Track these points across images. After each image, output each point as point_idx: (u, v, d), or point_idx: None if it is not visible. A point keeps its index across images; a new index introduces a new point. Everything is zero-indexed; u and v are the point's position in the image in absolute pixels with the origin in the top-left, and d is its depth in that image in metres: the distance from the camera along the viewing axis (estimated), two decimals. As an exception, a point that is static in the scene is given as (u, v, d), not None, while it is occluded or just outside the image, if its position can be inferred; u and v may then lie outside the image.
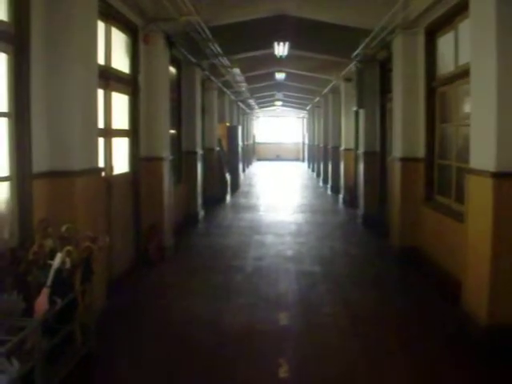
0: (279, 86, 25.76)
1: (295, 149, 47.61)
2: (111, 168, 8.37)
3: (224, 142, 20.74)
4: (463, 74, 7.71)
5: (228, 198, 19.32)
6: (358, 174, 14.86)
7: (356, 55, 13.03)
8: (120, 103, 8.94)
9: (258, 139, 46.99)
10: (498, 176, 5.89)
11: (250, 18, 12.95)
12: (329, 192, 21.22)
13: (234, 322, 6.80)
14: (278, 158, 46.15)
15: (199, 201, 14.46)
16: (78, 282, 5.39)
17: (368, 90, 13.64)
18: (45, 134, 5.97)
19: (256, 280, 8.69)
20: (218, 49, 13.23)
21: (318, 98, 26.55)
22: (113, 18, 8.31)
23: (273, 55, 15.72)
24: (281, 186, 24.39)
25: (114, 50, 8.49)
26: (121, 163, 9.02)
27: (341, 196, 18.33)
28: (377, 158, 13.51)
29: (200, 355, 5.86)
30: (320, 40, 14.03)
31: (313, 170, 31.68)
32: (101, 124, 7.49)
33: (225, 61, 15.00)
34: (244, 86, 21.65)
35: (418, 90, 9.88)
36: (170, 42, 10.64)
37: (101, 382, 5.34)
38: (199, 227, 13.77)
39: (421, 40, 9.73)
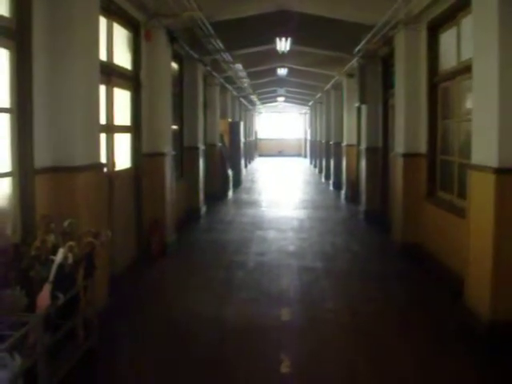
0: (281, 81, 25.73)
1: (297, 144, 47.56)
2: (113, 163, 8.38)
3: (226, 138, 20.74)
4: (465, 69, 7.70)
5: (230, 193, 19.32)
6: (360, 170, 14.84)
7: (358, 51, 13.02)
8: (122, 99, 8.95)
9: (260, 135, 46.97)
10: (500, 172, 5.89)
11: (251, 13, 12.96)
12: (331, 188, 21.21)
13: (236, 318, 6.81)
14: (280, 154, 46.12)
15: (201, 196, 14.47)
16: (81, 278, 5.39)
17: (370, 85, 13.64)
18: (47, 129, 5.97)
19: (258, 276, 8.70)
20: (220, 44, 13.22)
21: (320, 94, 26.53)
22: (115, 13, 8.31)
23: (275, 51, 15.70)
24: (283, 182, 24.39)
25: (116, 45, 8.49)
26: (123, 159, 9.04)
27: (343, 192, 18.32)
28: (379, 154, 13.51)
29: (201, 351, 5.88)
30: (322, 35, 14.00)
31: (315, 166, 31.66)
32: (103, 120, 7.49)
33: (227, 56, 14.99)
34: (246, 82, 21.65)
35: (420, 85, 9.88)
36: (172, 38, 10.64)
37: (102, 377, 5.36)
38: (201, 223, 13.77)
39: (423, 35, 9.72)
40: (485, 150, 6.22)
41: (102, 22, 7.46)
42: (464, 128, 8.31)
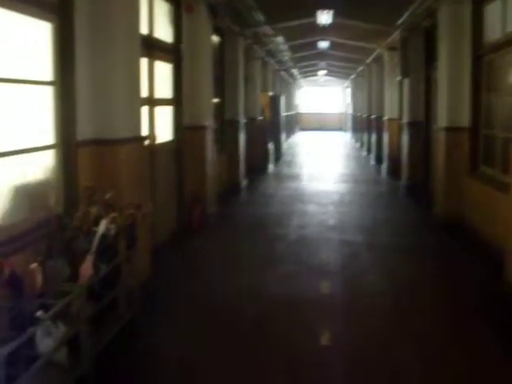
0: (322, 55, 25.45)
1: (338, 119, 47.16)
2: (154, 137, 8.40)
3: (267, 112, 20.63)
4: (510, 42, 7.51)
5: (270, 167, 19.28)
6: (402, 144, 14.67)
7: (401, 23, 12.80)
8: (163, 72, 8.94)
9: (301, 109, 46.68)
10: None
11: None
12: (372, 162, 21.03)
13: (277, 290, 6.83)
14: (320, 128, 45.77)
15: (242, 170, 14.46)
16: (123, 249, 5.44)
17: (413, 58, 13.42)
18: (89, 102, 5.98)
19: (299, 248, 8.69)
20: (261, 17, 13.11)
21: (361, 68, 26.22)
22: (155, -14, 8.29)
23: (316, 24, 15.51)
24: (324, 156, 24.25)
25: (157, 19, 8.47)
26: (164, 132, 9.05)
27: (384, 166, 18.14)
28: (421, 128, 13.32)
29: (242, 323, 5.90)
30: (364, 8, 13.77)
31: (356, 141, 31.42)
32: (144, 93, 7.50)
33: (268, 29, 14.86)
34: (287, 55, 21.48)
35: (463, 58, 9.66)
36: (213, 11, 10.57)
37: (143, 348, 5.41)
38: (242, 196, 13.80)
39: (467, 7, 9.49)
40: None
41: (143, -6, 7.45)
42: (508, 102, 8.13)
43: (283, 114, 24.57)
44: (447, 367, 4.95)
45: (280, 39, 16.87)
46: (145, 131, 7.33)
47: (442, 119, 10.24)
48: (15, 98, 5.03)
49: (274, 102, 21.92)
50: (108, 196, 5.59)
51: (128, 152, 6.26)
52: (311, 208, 12.04)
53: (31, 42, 5.27)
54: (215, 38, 12.43)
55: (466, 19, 9.55)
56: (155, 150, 8.33)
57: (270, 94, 22.30)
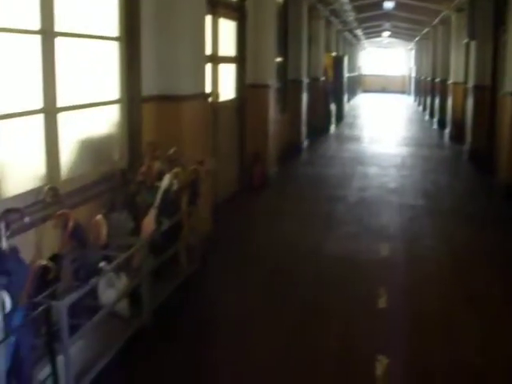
0: (387, 16, 24.83)
1: (401, 81, 46.16)
2: (217, 94, 8.36)
3: (329, 73, 20.30)
4: None
5: (332, 128, 19.04)
6: (466, 109, 14.24)
7: (470, -17, 12.34)
8: (227, 30, 8.84)
9: (364, 71, 45.88)
10: None
11: None
12: (435, 126, 20.53)
13: (336, 250, 6.77)
14: (383, 91, 44.92)
15: (303, 130, 14.31)
16: (185, 204, 5.44)
17: (480, 21, 12.93)
18: (154, 58, 5.95)
19: (358, 210, 8.59)
20: (327, -24, 12.84)
21: (426, 29, 25.50)
22: None
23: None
24: (386, 119, 23.85)
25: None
26: (227, 90, 8.99)
27: (447, 130, 17.68)
28: (487, 93, 12.88)
29: (300, 281, 5.86)
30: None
31: (419, 104, 30.73)
32: (208, 50, 7.43)
33: (333, -12, 14.57)
34: (351, 16, 21.04)
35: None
36: (278, -32, 10.39)
37: (203, 302, 5.43)
38: (302, 156, 13.68)
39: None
40: None
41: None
42: None
43: (346, 75, 24.18)
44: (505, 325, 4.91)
45: (345, -1, 16.52)
46: (208, 89, 7.27)
47: (509, 84, 9.88)
48: (83, 53, 5.03)
49: (337, 63, 21.56)
50: (171, 151, 5.59)
51: (192, 108, 6.22)
52: (372, 170, 11.86)
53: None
54: (280, -4, 12.22)
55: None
56: (218, 107, 8.28)
57: (333, 54, 21.93)
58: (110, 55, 5.48)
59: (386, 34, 35.24)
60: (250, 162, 9.85)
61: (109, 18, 5.42)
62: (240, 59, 9.43)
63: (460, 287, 5.76)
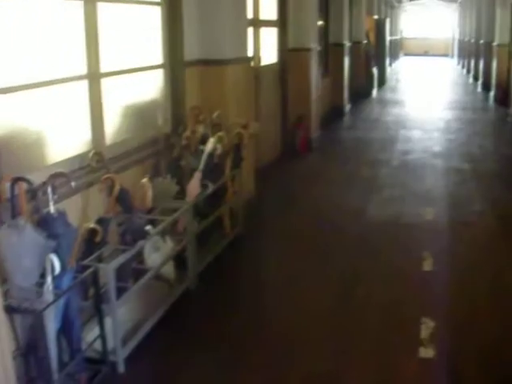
0: (431, -24, 24.29)
1: (444, 44, 45.14)
2: (259, 58, 8.27)
3: (371, 36, 19.95)
4: None
5: (374, 92, 18.74)
6: (512, 70, 13.89)
7: None
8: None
9: (406, 34, 45.01)
10: None
11: None
12: (479, 89, 20.09)
13: (380, 214, 6.68)
14: (425, 54, 44.04)
15: (345, 94, 14.12)
16: (229, 168, 5.42)
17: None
18: (196, 22, 5.89)
19: (402, 174, 8.46)
20: None
21: (471, -10, 24.87)
22: None
23: None
24: (428, 82, 23.39)
25: None
26: (269, 54, 8.90)
27: (492, 94, 17.29)
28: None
29: (345, 244, 5.81)
30: None
31: (463, 67, 30.06)
32: (249, 14, 7.32)
33: None
34: (394, -23, 20.59)
35: None
36: None
37: (247, 265, 5.43)
38: (345, 120, 13.52)
39: None
40: None
41: None
42: None
43: (388, 38, 23.74)
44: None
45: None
46: (250, 53, 7.19)
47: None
48: (126, 18, 5.00)
49: (379, 26, 21.16)
50: (215, 115, 5.55)
51: (234, 72, 6.16)
52: (415, 134, 11.66)
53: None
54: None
55: None
56: (260, 71, 8.20)
57: (375, 17, 21.52)
58: (153, 20, 5.44)
59: (429, -5, 34.48)
60: (293, 126, 9.77)
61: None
62: (281, 23, 9.30)
63: (508, 252, 5.62)
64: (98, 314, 3.53)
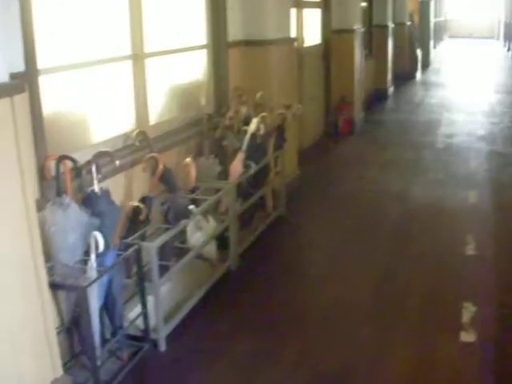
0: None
1: (490, 26, 44.10)
2: (302, 39, 8.18)
3: (415, 17, 19.62)
4: None
5: (418, 74, 18.41)
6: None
7: None
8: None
9: (450, 15, 44.16)
10: None
11: None
12: (526, 73, 19.67)
13: (422, 197, 6.60)
14: (470, 36, 43.19)
15: (389, 76, 13.90)
16: (271, 149, 5.38)
17: None
18: (240, 3, 5.81)
19: (446, 157, 8.29)
20: None
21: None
22: None
23: None
24: (473, 65, 22.91)
25: None
26: (312, 35, 8.80)
27: (539, 76, 16.89)
28: None
29: (387, 227, 5.75)
30: None
31: (508, 49, 29.42)
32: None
33: None
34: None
35: None
36: None
37: (288, 245, 5.40)
38: (388, 103, 13.32)
39: None
40: None
41: None
42: None
43: (432, 20, 23.31)
44: None
45: None
46: (293, 34, 7.10)
47: None
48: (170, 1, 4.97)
49: (423, 7, 20.77)
50: (258, 96, 5.50)
51: (277, 53, 6.08)
52: (459, 117, 11.41)
53: None
54: None
55: None
56: (303, 53, 8.12)
57: (420, -2, 21.18)
58: (197, 0, 5.39)
59: (475, -24, 33.71)
60: (336, 108, 9.68)
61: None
62: (325, 4, 9.19)
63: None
64: (141, 291, 3.54)
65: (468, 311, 4.09)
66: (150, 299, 3.58)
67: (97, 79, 4.04)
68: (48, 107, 3.36)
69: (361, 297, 4.37)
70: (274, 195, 5.72)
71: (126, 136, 4.19)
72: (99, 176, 3.42)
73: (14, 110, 2.59)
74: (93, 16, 3.97)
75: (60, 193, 3.19)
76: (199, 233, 4.13)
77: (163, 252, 3.82)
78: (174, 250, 4.06)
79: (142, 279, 3.50)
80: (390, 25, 13.75)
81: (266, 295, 4.38)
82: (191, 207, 3.88)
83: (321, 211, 6.22)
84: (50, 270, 3.09)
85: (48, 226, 3.05)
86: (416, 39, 18.36)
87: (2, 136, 2.55)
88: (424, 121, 11.02)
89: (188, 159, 4.18)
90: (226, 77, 5.62)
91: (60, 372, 3.02)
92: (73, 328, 3.37)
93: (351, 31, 9.73)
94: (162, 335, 3.61)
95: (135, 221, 3.56)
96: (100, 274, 3.11)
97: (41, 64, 3.24)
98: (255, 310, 4.16)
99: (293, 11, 7.24)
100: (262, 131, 4.97)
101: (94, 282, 3.05)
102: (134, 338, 3.61)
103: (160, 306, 3.59)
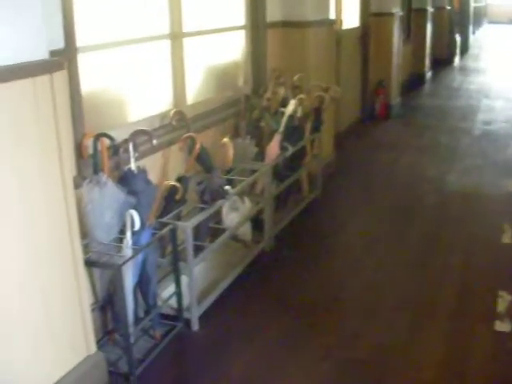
0: None
1: (531, 12, 43.23)
2: (341, 21, 8.05)
3: (455, 1, 19.24)
4: None
5: (456, 60, 18.09)
6: None
7: None
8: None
9: (490, 0, 43.24)
10: None
11: None
12: None
13: (459, 183, 6.46)
14: (511, 22, 42.34)
15: (427, 61, 13.67)
16: (309, 131, 5.31)
17: None
18: (279, -17, 5.75)
19: (484, 144, 8.11)
20: None
21: None
22: None
23: None
24: (512, 51, 22.47)
25: None
26: (350, 17, 8.66)
27: None
28: None
29: (422, 212, 5.65)
30: None
31: (551, 36, 28.79)
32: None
33: None
34: None
35: None
36: None
37: (323, 228, 5.31)
38: (426, 88, 13.10)
39: None
40: None
41: None
42: None
43: (472, 4, 22.85)
44: None
45: None
46: (332, 15, 6.98)
47: None
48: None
49: (463, -8, 20.40)
50: (296, 78, 5.42)
51: (316, 35, 5.97)
52: (498, 104, 11.14)
53: None
54: None
55: None
56: (341, 35, 7.98)
57: (460, -18, 20.75)
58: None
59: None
60: (373, 91, 9.55)
61: None
62: (364, -14, 9.04)
63: None
64: (175, 271, 3.51)
65: (504, 300, 3.99)
66: (184, 279, 3.55)
67: (135, 58, 4.01)
68: (86, 85, 3.33)
69: (395, 283, 4.28)
70: (310, 178, 5.65)
71: (163, 115, 4.16)
72: (136, 154, 3.40)
73: (54, 88, 2.56)
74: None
75: (97, 171, 3.17)
76: (234, 213, 4.08)
77: (198, 232, 3.79)
78: (209, 230, 4.03)
79: (176, 259, 3.48)
80: (430, 9, 13.49)
81: (300, 278, 4.31)
82: (227, 188, 3.83)
83: (356, 195, 6.14)
84: (86, 248, 3.07)
85: (84, 203, 3.04)
86: (455, 24, 18.00)
87: (42, 113, 2.52)
88: (462, 106, 10.81)
89: (226, 139, 4.13)
90: (264, 58, 5.55)
91: (94, 349, 3.02)
92: (106, 305, 3.37)
93: (390, 14, 9.56)
94: (195, 315, 3.58)
95: (171, 200, 3.52)
96: (135, 252, 3.09)
97: (80, 41, 3.21)
98: (288, 292, 4.10)
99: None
100: (299, 113, 4.90)
101: (128, 260, 3.03)
102: (167, 317, 3.59)
103: (194, 285, 3.56)
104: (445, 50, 16.60)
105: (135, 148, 3.39)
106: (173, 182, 3.47)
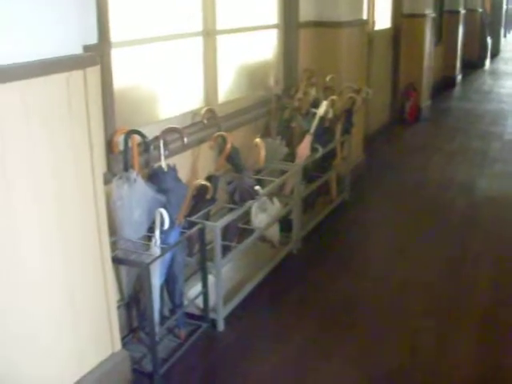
0: None
1: None
2: (373, 22, 7.96)
3: (487, 4, 18.95)
4: None
5: (487, 62, 17.84)
6: None
7: None
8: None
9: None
10: None
11: None
12: None
13: (489, 188, 6.34)
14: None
15: (458, 64, 13.48)
16: (339, 133, 5.23)
17: None
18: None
19: (515, 149, 8.01)
20: None
21: None
22: None
23: None
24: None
25: None
26: (382, 18, 8.56)
27: None
28: None
29: (451, 218, 5.52)
30: None
31: None
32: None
33: None
34: None
35: None
36: None
37: (351, 232, 5.24)
38: (456, 91, 12.92)
39: None
40: None
41: None
42: None
43: (504, 6, 22.52)
44: None
45: None
46: (365, 16, 6.89)
47: None
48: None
49: (496, -6, 20.12)
50: (328, 79, 5.35)
51: (349, 35, 5.89)
52: (530, 108, 11.01)
53: None
54: None
55: None
56: (373, 36, 7.89)
57: (493, -15, 20.46)
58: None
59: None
60: (403, 93, 9.43)
61: None
62: (397, -13, 8.92)
63: None
64: (202, 271, 3.47)
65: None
66: (211, 279, 3.51)
67: (167, 55, 3.97)
68: (118, 80, 3.29)
69: (425, 291, 4.18)
70: (339, 180, 5.57)
71: (195, 113, 4.11)
72: (166, 152, 3.36)
73: (87, 83, 2.53)
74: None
75: (127, 167, 3.13)
76: (263, 214, 4.02)
77: (226, 232, 3.74)
78: (238, 231, 3.97)
79: (204, 258, 3.43)
80: (462, 10, 13.31)
81: (328, 281, 4.24)
82: (257, 188, 3.78)
83: (385, 198, 6.07)
84: (114, 245, 3.04)
85: (114, 200, 3.00)
86: (487, 26, 17.76)
87: (74, 108, 2.49)
88: (493, 110, 10.62)
89: (258, 139, 4.07)
90: (295, 58, 5.48)
91: (119, 346, 2.99)
92: (132, 303, 3.33)
93: (422, 16, 9.44)
94: (220, 315, 3.54)
95: (200, 199, 3.47)
96: (163, 251, 3.04)
97: (113, 37, 3.17)
98: (315, 296, 4.03)
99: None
100: (330, 115, 4.82)
101: (157, 258, 2.99)
102: (192, 316, 3.55)
103: (221, 286, 3.51)
104: (476, 53, 16.36)
105: (165, 145, 3.35)
106: (203, 181, 3.43)
